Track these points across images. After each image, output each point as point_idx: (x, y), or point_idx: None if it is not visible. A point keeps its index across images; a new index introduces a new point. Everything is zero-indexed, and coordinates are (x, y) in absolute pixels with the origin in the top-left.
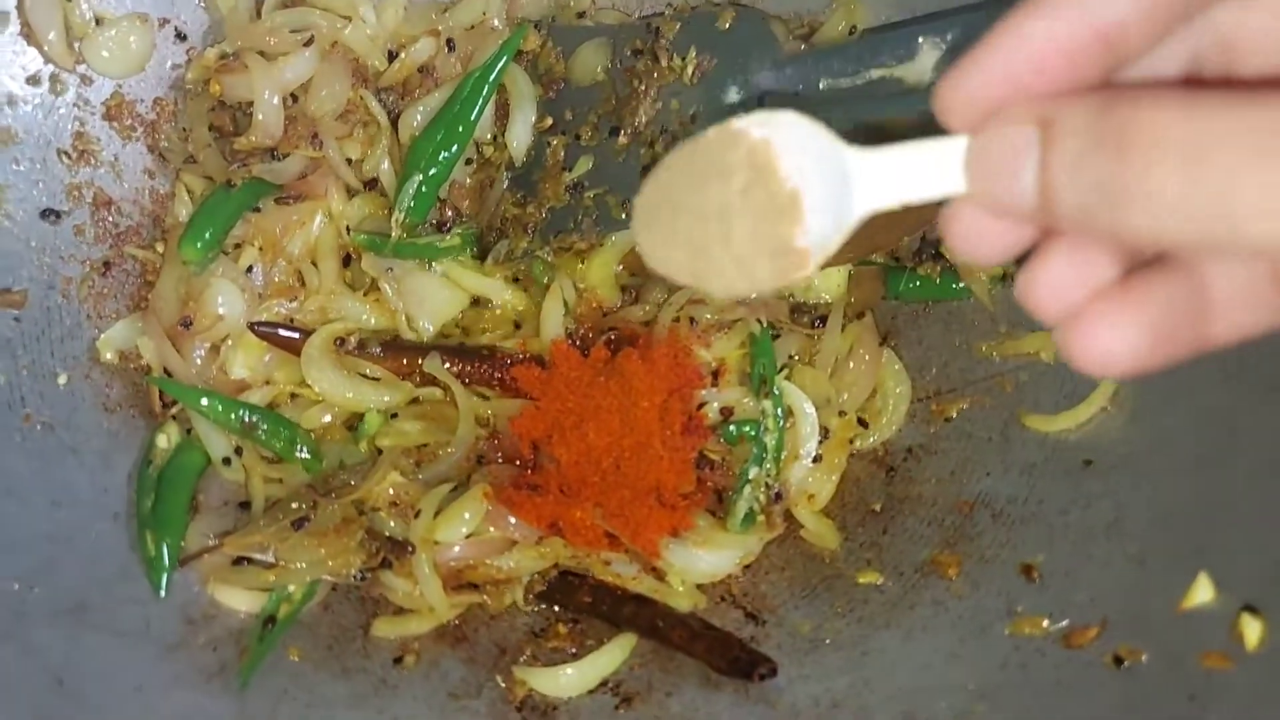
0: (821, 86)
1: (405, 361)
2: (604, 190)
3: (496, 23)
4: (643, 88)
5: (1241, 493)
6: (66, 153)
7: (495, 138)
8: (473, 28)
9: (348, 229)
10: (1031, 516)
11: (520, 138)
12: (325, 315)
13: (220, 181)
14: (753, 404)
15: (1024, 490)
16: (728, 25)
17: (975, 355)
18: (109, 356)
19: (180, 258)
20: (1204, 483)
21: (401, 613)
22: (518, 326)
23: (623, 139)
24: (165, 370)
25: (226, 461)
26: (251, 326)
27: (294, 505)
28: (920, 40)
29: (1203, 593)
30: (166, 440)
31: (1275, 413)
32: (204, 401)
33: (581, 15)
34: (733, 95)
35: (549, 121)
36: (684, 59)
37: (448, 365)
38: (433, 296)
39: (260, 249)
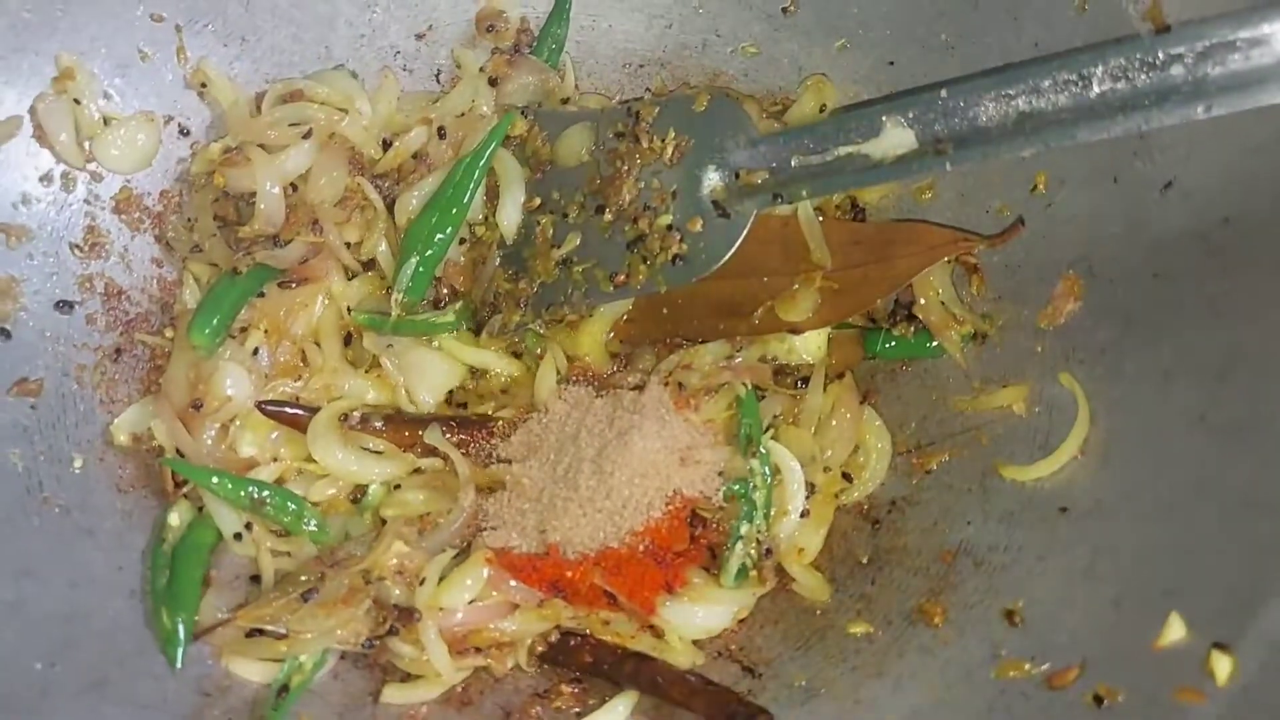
0: (793, 163)
1: (407, 434)
2: (592, 264)
3: (485, 110)
4: (625, 168)
5: (1209, 534)
6: (78, 246)
7: (487, 218)
8: (462, 115)
9: (348, 309)
10: (1011, 563)
11: (511, 217)
12: (329, 392)
13: (226, 269)
14: (741, 463)
15: (1003, 538)
16: (703, 107)
17: (951, 410)
18: (122, 440)
19: (189, 343)
20: (1173, 525)
21: (409, 679)
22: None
23: (608, 216)
24: (177, 451)
25: (238, 537)
26: (259, 406)
27: (303, 577)
28: (884, 118)
29: (1175, 632)
30: (178, 518)
31: (1239, 456)
32: (214, 480)
33: (566, 101)
34: (710, 173)
35: (537, 201)
36: (663, 140)
37: (447, 435)
38: (431, 370)
39: (265, 331)
